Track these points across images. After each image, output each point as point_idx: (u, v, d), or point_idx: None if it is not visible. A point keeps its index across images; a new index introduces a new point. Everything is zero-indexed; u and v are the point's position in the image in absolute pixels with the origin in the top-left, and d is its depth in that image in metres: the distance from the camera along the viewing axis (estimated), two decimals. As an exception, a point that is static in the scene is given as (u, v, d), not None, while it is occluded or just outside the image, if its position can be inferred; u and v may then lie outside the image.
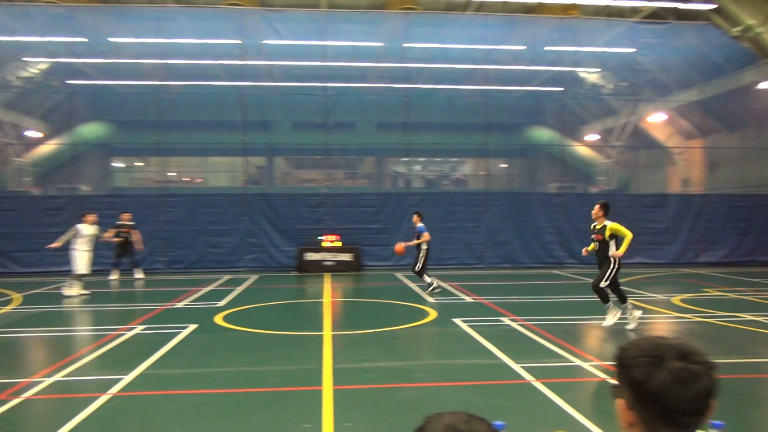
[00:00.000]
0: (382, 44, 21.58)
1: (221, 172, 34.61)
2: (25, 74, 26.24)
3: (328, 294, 13.55)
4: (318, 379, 6.41)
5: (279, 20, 19.33)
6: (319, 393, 5.94)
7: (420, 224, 13.29)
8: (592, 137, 26.95)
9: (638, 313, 9.19)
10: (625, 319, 9.14)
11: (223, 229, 18.35)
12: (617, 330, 8.97)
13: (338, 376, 6.53)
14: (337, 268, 17.83)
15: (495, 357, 7.38)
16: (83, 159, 27.11)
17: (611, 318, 9.06)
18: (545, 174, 26.31)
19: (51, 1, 19.53)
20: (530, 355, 7.46)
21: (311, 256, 18.03)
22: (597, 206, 9.22)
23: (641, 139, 24.58)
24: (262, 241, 18.45)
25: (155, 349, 7.79)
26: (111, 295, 14.10)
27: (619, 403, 1.39)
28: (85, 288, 13.38)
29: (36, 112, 31.27)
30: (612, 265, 8.85)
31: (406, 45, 20.11)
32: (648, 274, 17.15)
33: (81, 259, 13.22)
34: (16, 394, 5.99)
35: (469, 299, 12.42)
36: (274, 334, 9.02)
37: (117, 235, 15.79)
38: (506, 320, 9.80)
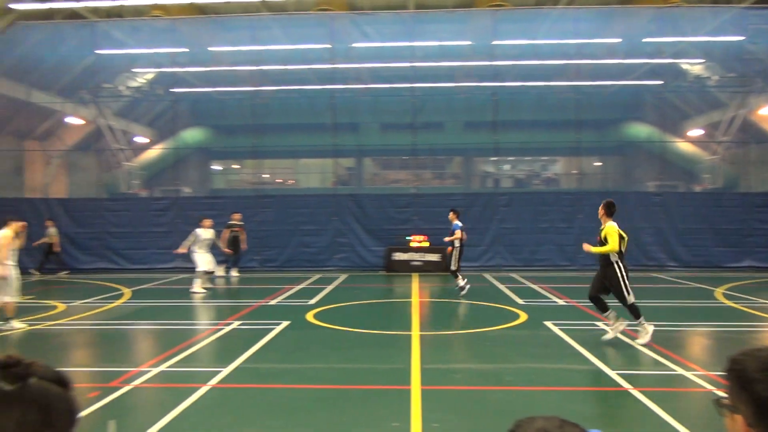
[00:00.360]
0: (469, 43, 21.37)
1: (312, 174, 35.54)
2: (134, 84, 28.13)
3: (416, 294, 13.57)
4: (406, 379, 6.43)
5: (367, 23, 19.62)
6: (408, 392, 5.96)
7: (456, 221, 13.02)
8: (696, 132, 25.34)
9: (621, 326, 8.33)
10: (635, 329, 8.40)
11: (313, 228, 18.83)
12: (725, 337, 8.38)
13: (426, 376, 6.52)
14: (425, 269, 17.82)
15: (590, 363, 7.11)
16: (185, 162, 28.74)
17: (646, 334, 8.05)
18: (643, 172, 25.02)
19: (156, 15, 20.85)
20: (628, 362, 7.13)
21: (399, 256, 18.13)
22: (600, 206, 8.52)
23: (751, 134, 22.81)
24: (351, 241, 18.77)
25: (251, 344, 8.10)
26: (213, 291, 14.83)
27: (736, 420, 1.28)
28: (209, 283, 14.46)
29: (143, 119, 33.47)
30: (620, 273, 8.14)
31: (494, 42, 19.80)
32: (759, 279, 15.91)
33: (202, 259, 14.12)
34: (127, 381, 6.43)
35: (561, 302, 12.03)
36: (363, 333, 9.15)
37: (230, 234, 16.69)
38: (602, 325, 9.41)
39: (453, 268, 12.94)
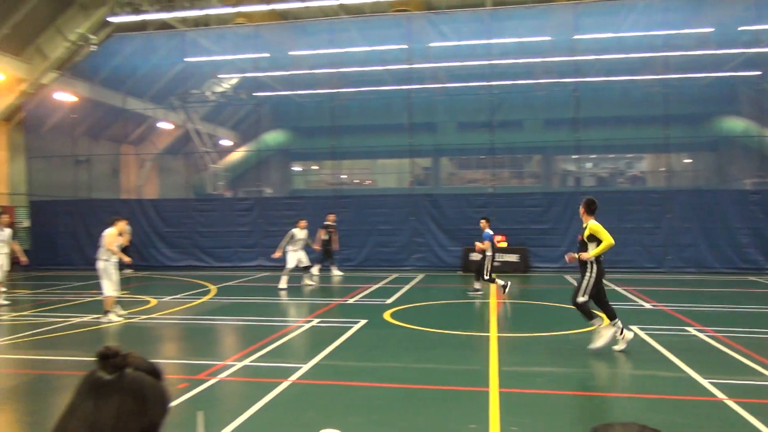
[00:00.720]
0: (549, 38, 20.83)
1: (389, 174, 35.77)
2: (219, 89, 29.39)
3: (494, 295, 13.38)
4: (484, 380, 6.36)
5: (444, 22, 19.54)
6: (486, 394, 5.89)
7: (487, 230, 12.98)
8: (799, 126, 23.50)
9: (629, 335, 7.69)
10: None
11: (390, 228, 18.95)
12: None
13: (505, 379, 6.42)
14: (503, 269, 17.51)
15: (679, 370, 6.76)
16: (267, 164, 29.68)
17: (601, 339, 7.50)
18: (739, 169, 23.49)
19: (240, 22, 21.67)
20: (721, 370, 6.72)
21: (477, 256, 17.91)
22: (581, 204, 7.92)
23: None
24: (428, 241, 18.75)
25: (329, 342, 8.27)
26: (294, 289, 15.23)
27: None
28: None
29: (227, 122, 34.91)
30: (588, 274, 7.59)
31: (576, 37, 19.21)
32: None
33: (292, 258, 14.64)
34: (213, 374, 6.73)
35: (647, 306, 11.51)
36: (440, 333, 9.12)
37: (325, 233, 17.12)
38: (692, 330, 8.93)
39: (486, 277, 12.87)
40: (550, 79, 22.47)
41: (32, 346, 8.63)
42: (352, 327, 9.40)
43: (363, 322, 9.85)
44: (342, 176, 26.73)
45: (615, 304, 11.27)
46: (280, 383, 6.28)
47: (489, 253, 12.81)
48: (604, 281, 7.95)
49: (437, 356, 7.67)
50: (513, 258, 17.69)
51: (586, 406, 5.70)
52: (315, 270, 17.24)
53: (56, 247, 20.82)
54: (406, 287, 14.63)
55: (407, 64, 20.03)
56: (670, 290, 14.05)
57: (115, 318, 10.26)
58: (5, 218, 12.74)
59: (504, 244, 17.86)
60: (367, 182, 37.85)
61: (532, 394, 6.06)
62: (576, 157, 22.44)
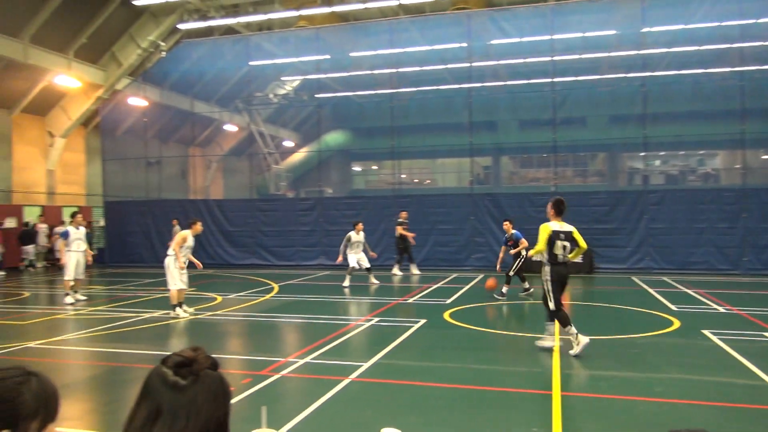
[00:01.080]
0: (615, 32, 20.18)
1: (449, 173, 35.57)
2: (282, 92, 30.05)
3: (557, 296, 13.07)
4: (546, 383, 6.23)
5: (505, 19, 19.26)
6: (548, 398, 5.77)
7: (513, 231, 12.67)
8: None
9: (584, 340, 7.38)
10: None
11: (450, 228, 18.84)
12: None
13: (568, 382, 6.27)
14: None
15: (756, 377, 6.41)
16: (327, 164, 30.08)
17: (578, 346, 7.33)
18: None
19: (302, 25, 22.06)
20: (804, 380, 6.32)
21: (539, 256, 17.55)
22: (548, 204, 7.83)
23: None
24: (488, 241, 18.52)
25: (389, 341, 8.30)
26: (356, 288, 15.39)
27: None
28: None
29: (290, 124, 35.63)
30: (545, 278, 7.55)
31: (643, 30, 18.52)
32: None
33: (352, 258, 14.83)
34: (276, 371, 6.88)
35: (721, 309, 10.97)
36: (500, 334, 9.00)
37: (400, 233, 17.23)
38: (770, 336, 8.45)
39: (511, 273, 12.46)
40: (616, 74, 21.77)
41: (106, 339, 9.07)
42: (411, 326, 9.40)
43: (422, 321, 9.84)
44: (402, 176, 26.77)
45: (687, 308, 10.82)
46: (341, 381, 6.35)
47: (524, 254, 12.34)
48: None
49: (497, 357, 7.57)
50: (577, 259, 17.22)
51: (653, 412, 5.49)
52: (396, 270, 17.36)
53: (129, 245, 21.81)
54: (466, 287, 14.51)
55: (467, 62, 19.86)
56: (746, 293, 13.34)
57: (182, 314, 10.64)
58: (79, 218, 13.39)
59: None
60: (427, 182, 37.79)
61: (596, 398, 5.89)
62: (644, 154, 21.61)
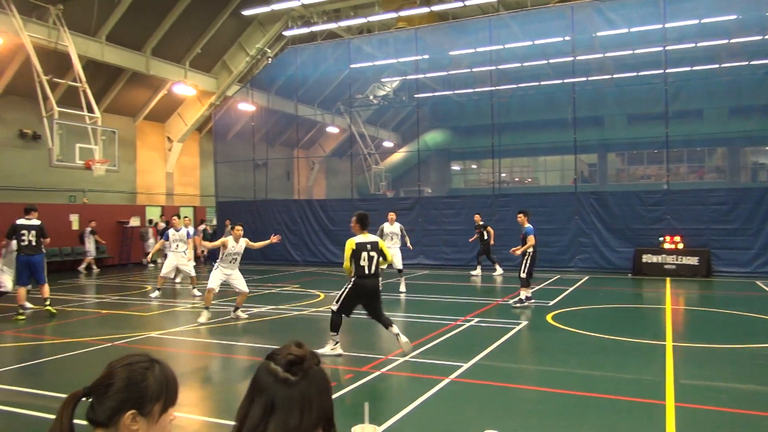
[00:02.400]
0: (735, 17, 18.69)
1: (551, 171, 34.54)
2: (381, 93, 30.47)
3: (669, 300, 12.33)
4: (659, 393, 5.88)
5: (611, 9, 18.40)
6: (661, 408, 5.44)
7: (527, 225, 11.43)
8: None
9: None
10: None
11: (553, 228, 18.26)
12: None
13: (683, 393, 5.89)
14: (680, 273, 16.09)
15: None
16: (426, 164, 30.13)
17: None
18: None
19: (401, 26, 22.26)
20: None
21: (650, 258, 16.65)
22: None
23: None
24: (594, 241, 17.78)
25: (489, 342, 8.18)
26: (453, 287, 15.33)
27: None
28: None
29: (389, 124, 36.05)
30: (345, 291, 7.60)
31: (769, 13, 17.04)
32: None
33: (397, 257, 14.30)
34: (377, 368, 6.99)
35: None
36: (607, 339, 8.61)
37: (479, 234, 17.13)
38: None
39: (523, 275, 11.34)
40: (738, 63, 20.15)
41: (218, 332, 9.61)
42: (512, 328, 9.22)
43: (524, 323, 9.62)
44: (502, 175, 26.31)
45: (820, 316, 9.81)
46: (440, 381, 6.35)
47: (531, 251, 11.39)
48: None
49: (604, 363, 7.25)
50: (692, 261, 16.16)
51: (782, 430, 5.04)
52: (477, 271, 17.19)
53: (239, 243, 22.97)
54: (570, 289, 14.01)
55: (571, 56, 19.16)
56: None
57: (243, 315, 10.58)
58: (183, 220, 14.17)
59: (681, 246, 16.40)
60: (528, 180, 36.90)
61: (713, 411, 5.49)
62: (770, 148, 19.88)
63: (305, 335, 9.26)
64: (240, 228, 10.69)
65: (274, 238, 10.78)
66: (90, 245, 20.37)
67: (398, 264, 14.05)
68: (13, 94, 19.44)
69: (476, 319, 10.12)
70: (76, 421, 1.49)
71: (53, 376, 7.28)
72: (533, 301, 11.46)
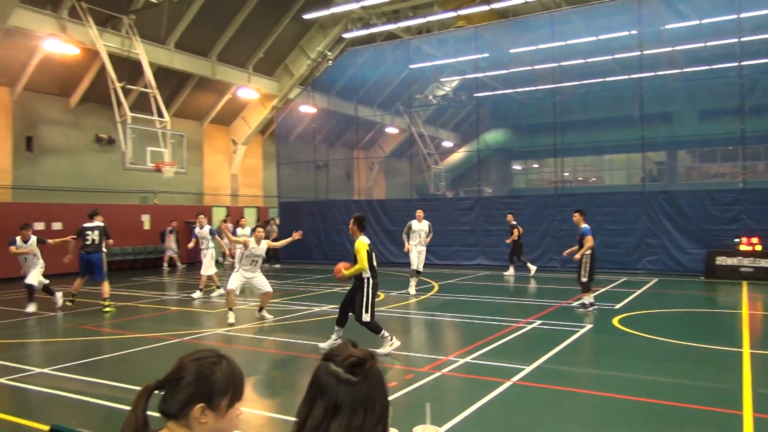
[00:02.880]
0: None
1: (617, 170, 33.48)
2: (441, 93, 30.34)
3: (746, 305, 11.71)
4: (735, 402, 5.59)
5: (681, 1, 17.71)
6: (737, 418, 5.18)
7: (584, 225, 10.86)
8: None
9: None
10: None
11: (619, 228, 17.68)
12: None
13: (762, 403, 5.57)
14: (758, 276, 15.24)
15: None
16: (486, 163, 29.77)
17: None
18: None
19: (460, 25, 22.10)
20: None
21: (724, 260, 15.86)
22: None
23: None
24: (663, 242, 17.10)
25: (552, 345, 8.00)
26: (514, 289, 15.10)
27: None
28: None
29: (449, 124, 35.86)
30: (366, 290, 7.84)
31: None
32: None
33: (414, 258, 14.12)
34: (437, 368, 6.96)
35: None
36: (678, 344, 8.25)
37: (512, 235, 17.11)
38: None
39: (584, 279, 10.78)
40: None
41: (282, 329, 9.81)
42: (576, 331, 8.99)
43: (588, 326, 9.36)
44: (565, 174, 25.68)
45: None
46: (502, 383, 6.26)
47: (588, 253, 10.80)
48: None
49: (675, 369, 6.96)
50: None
51: None
52: (511, 271, 17.28)
53: (301, 242, 23.32)
54: (637, 292, 13.53)
55: (638, 50, 18.50)
56: None
57: (268, 316, 10.62)
58: (201, 218, 14.29)
59: (760, 248, 15.54)
60: (592, 180, 35.91)
61: (797, 423, 5.17)
62: None
63: (365, 335, 9.31)
64: (261, 230, 10.61)
65: (296, 235, 10.87)
66: (171, 243, 21.51)
67: (420, 265, 14.06)
68: (89, 101, 20.51)
69: (538, 322, 9.92)
70: (149, 413, 1.55)
71: (127, 369, 7.62)
72: (595, 307, 11.03)
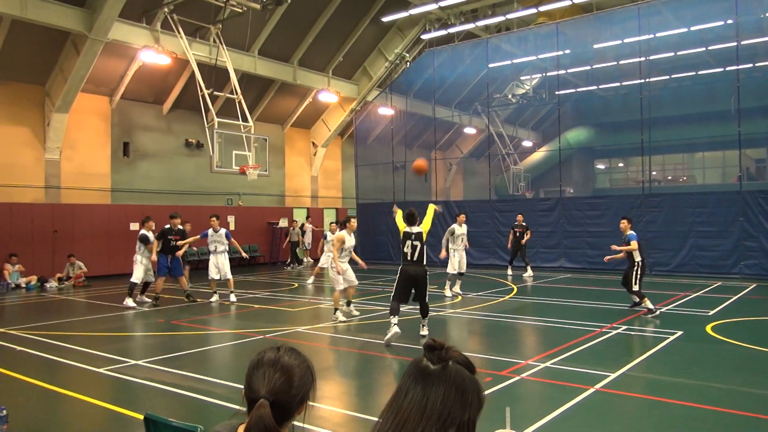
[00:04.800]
0: None
1: (711, 169, 31.66)
2: (520, 91, 29.75)
3: None
4: None
5: (784, -15, 16.47)
6: None
7: (630, 231, 11.06)
8: None
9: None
10: None
11: (713, 230, 16.70)
12: None
13: None
14: None
15: None
16: (568, 163, 28.94)
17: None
18: None
19: (541, 22, 21.58)
20: None
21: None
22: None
23: None
24: (763, 245, 15.99)
25: (639, 352, 7.67)
26: (596, 292, 14.57)
27: None
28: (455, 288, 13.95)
29: (528, 123, 35.10)
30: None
31: None
32: None
33: (454, 261, 13.64)
34: (516, 372, 6.83)
35: None
36: (780, 355, 7.69)
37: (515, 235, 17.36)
38: None
39: (635, 288, 10.78)
40: None
41: (358, 329, 9.94)
42: (666, 338, 8.56)
43: (678, 333, 8.89)
44: (652, 173, 24.52)
45: None
46: (585, 390, 6.06)
47: (638, 259, 10.80)
48: None
49: (776, 382, 6.49)
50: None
51: None
52: (509, 271, 17.70)
53: (379, 243, 23.62)
54: (734, 298, 12.71)
55: (735, 41, 17.40)
56: None
57: (341, 317, 10.47)
58: (213, 221, 13.58)
59: None
60: (683, 179, 34.11)
61: None
62: None
63: (442, 337, 9.28)
64: (354, 222, 11.04)
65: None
66: (308, 239, 22.73)
67: (463, 267, 13.86)
68: (180, 107, 21.61)
69: (624, 327, 9.53)
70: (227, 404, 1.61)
71: (213, 363, 7.97)
72: (657, 313, 10.62)
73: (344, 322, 10.39)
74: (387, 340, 8.32)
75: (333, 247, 10.85)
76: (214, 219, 13.53)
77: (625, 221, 11.32)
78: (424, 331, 8.81)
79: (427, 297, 8.78)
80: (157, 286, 12.89)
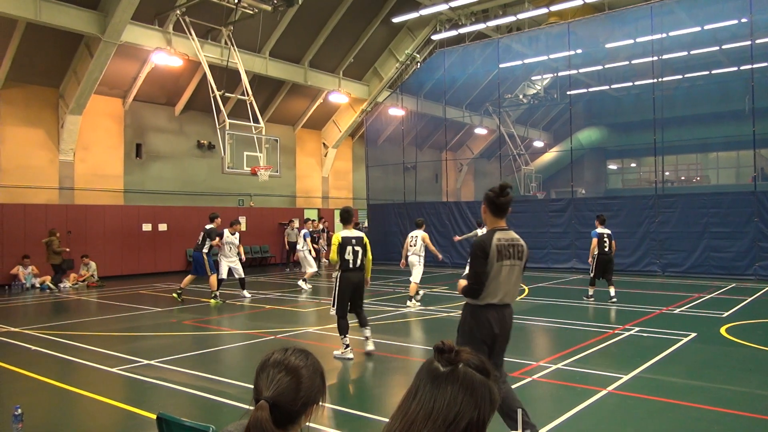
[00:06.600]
0: None
1: (725, 169, 31.37)
2: (531, 92, 29.65)
3: None
4: None
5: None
6: None
7: (596, 230, 12.69)
8: None
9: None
10: None
11: (727, 231, 16.54)
12: None
13: None
14: None
15: None
16: (580, 163, 28.78)
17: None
18: None
19: (552, 21, 21.49)
20: None
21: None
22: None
23: None
24: (777, 246, 15.82)
25: (652, 354, 7.61)
26: (606, 293, 14.47)
27: None
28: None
29: (540, 124, 34.96)
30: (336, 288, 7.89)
31: None
32: None
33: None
34: (528, 374, 6.79)
35: None
36: (796, 357, 7.60)
37: None
38: None
39: (591, 274, 12.72)
40: None
41: (374, 330, 9.91)
42: (679, 340, 8.48)
43: (693, 335, 8.81)
44: (665, 173, 24.33)
45: None
46: (597, 392, 6.02)
47: (595, 252, 12.60)
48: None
49: (792, 384, 6.41)
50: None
51: None
52: None
53: (389, 244, 23.60)
54: (748, 299, 12.58)
55: (749, 39, 17.22)
56: None
57: (413, 308, 11.57)
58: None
59: None
60: (696, 179, 33.84)
61: None
62: None
63: (453, 336, 9.25)
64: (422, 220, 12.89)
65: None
66: (323, 242, 22.45)
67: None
68: (192, 109, 21.73)
69: (637, 328, 9.45)
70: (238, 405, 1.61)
71: (227, 363, 7.99)
72: (593, 299, 12.44)
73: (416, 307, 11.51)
74: (339, 357, 7.81)
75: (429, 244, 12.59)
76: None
77: (597, 221, 12.89)
78: (371, 345, 7.99)
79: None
80: (183, 282, 13.50)
